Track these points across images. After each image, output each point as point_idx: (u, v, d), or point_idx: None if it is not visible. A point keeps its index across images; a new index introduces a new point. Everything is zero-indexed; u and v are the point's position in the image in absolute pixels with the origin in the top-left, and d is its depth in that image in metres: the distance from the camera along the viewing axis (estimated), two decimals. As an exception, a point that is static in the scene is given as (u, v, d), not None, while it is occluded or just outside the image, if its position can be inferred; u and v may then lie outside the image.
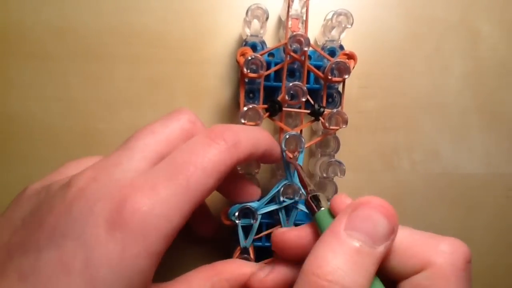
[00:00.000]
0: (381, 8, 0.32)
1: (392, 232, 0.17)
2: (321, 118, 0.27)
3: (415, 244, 0.18)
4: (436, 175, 0.33)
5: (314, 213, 0.20)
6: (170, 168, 0.18)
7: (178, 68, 0.31)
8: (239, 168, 0.27)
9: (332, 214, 0.20)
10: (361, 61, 0.32)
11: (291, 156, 0.25)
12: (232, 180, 0.25)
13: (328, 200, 0.21)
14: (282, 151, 0.25)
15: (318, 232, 0.20)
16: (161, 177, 0.18)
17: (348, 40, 0.31)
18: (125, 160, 0.19)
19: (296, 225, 0.27)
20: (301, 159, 0.26)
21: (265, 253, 0.27)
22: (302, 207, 0.26)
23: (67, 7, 0.30)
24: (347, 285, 0.16)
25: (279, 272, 0.21)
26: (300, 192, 0.26)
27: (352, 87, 0.32)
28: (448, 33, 0.33)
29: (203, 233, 0.29)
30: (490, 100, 0.33)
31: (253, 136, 0.22)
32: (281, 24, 0.31)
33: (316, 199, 0.21)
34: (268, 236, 0.27)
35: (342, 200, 0.20)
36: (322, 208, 0.20)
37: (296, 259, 0.21)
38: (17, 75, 0.30)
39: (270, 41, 0.31)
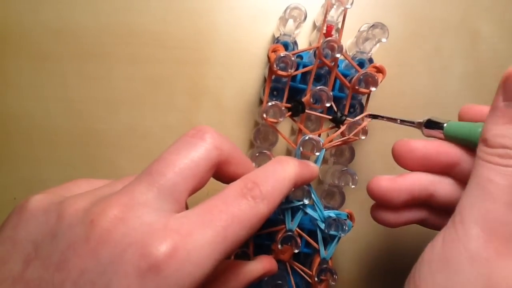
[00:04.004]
0: (381, 8, 0.32)
1: None
2: (341, 126, 0.27)
3: None
4: (436, 175, 0.33)
5: (441, 129, 0.22)
6: (206, 215, 0.17)
7: (177, 68, 0.31)
8: (254, 165, 0.27)
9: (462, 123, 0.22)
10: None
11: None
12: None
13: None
14: (297, 153, 0.25)
15: (450, 143, 0.22)
16: (197, 223, 0.17)
17: (349, 40, 0.31)
18: (153, 200, 0.17)
19: (299, 227, 0.27)
20: (319, 161, 0.26)
21: (263, 250, 0.27)
22: (309, 211, 0.26)
23: (65, 8, 0.30)
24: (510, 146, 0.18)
25: (409, 177, 0.23)
26: (311, 195, 0.25)
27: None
28: (448, 33, 0.33)
29: None
30: (490, 100, 0.33)
31: (280, 187, 0.20)
32: (315, 28, 0.31)
33: (432, 120, 0.23)
34: (269, 234, 0.27)
35: (472, 106, 0.22)
36: (445, 124, 0.22)
37: (419, 169, 0.22)
38: (16, 75, 0.30)
39: (300, 44, 0.31)
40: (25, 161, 0.30)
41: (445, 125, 0.22)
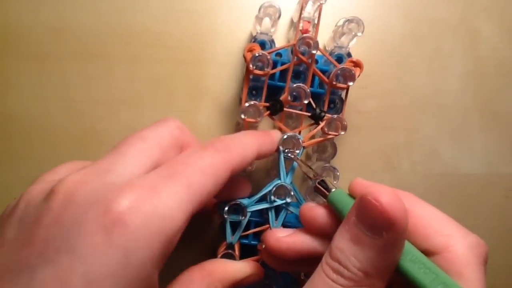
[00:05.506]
0: (381, 8, 0.32)
1: (391, 224, 0.17)
2: (320, 122, 0.27)
3: (438, 224, 0.20)
4: (436, 175, 0.33)
5: (325, 196, 0.22)
6: (169, 169, 0.18)
7: (177, 68, 0.31)
8: None
9: (347, 194, 0.21)
10: (361, 61, 0.32)
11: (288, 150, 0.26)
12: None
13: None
14: (279, 151, 0.25)
15: (334, 211, 0.21)
16: (160, 178, 0.17)
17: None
18: (119, 165, 0.18)
19: (284, 226, 0.26)
20: (300, 156, 0.26)
21: (250, 251, 0.27)
22: (293, 209, 0.26)
23: (65, 8, 0.30)
24: (346, 265, 0.18)
25: (296, 239, 0.22)
26: (292, 193, 0.26)
27: (352, 87, 0.32)
28: (448, 33, 0.33)
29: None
30: (490, 100, 0.33)
31: (240, 141, 0.22)
32: (293, 25, 0.31)
33: (324, 183, 0.22)
34: (256, 234, 0.27)
35: (358, 182, 0.21)
36: (333, 190, 0.21)
37: (321, 233, 0.22)
38: (15, 75, 0.30)
39: (279, 42, 0.31)
40: (25, 161, 0.30)
41: (331, 191, 0.22)
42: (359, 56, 0.31)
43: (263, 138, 0.24)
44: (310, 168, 0.24)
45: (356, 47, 0.31)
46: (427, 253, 0.19)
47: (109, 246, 0.15)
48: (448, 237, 0.19)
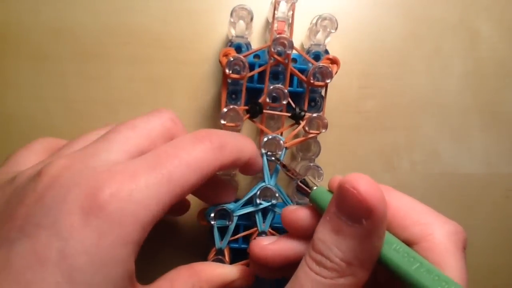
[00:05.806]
0: (380, 8, 0.32)
1: (370, 211, 0.17)
2: (301, 122, 0.27)
3: (416, 213, 0.20)
4: (436, 175, 0.33)
5: (308, 194, 0.22)
6: (153, 159, 0.18)
7: (176, 68, 0.31)
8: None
9: (328, 190, 0.21)
10: (361, 61, 0.32)
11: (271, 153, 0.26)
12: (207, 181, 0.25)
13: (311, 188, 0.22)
14: (261, 154, 0.25)
15: (317, 209, 0.21)
16: (142, 166, 0.17)
17: (348, 40, 0.31)
18: (103, 151, 0.18)
19: (273, 228, 0.26)
20: (282, 159, 0.26)
21: (241, 254, 0.27)
22: (279, 210, 0.26)
23: (65, 8, 0.30)
24: (329, 256, 0.18)
25: (281, 245, 0.22)
26: (277, 195, 0.25)
27: (352, 87, 0.32)
28: (448, 33, 0.33)
29: (174, 213, 0.29)
30: (490, 100, 0.33)
31: (239, 142, 0.22)
32: (268, 26, 0.31)
33: (305, 182, 0.22)
34: (245, 238, 0.27)
35: (337, 179, 0.21)
36: (315, 188, 0.22)
37: (305, 236, 0.21)
38: (15, 75, 0.30)
39: (257, 43, 0.31)
40: (25, 161, 0.30)
41: (313, 189, 0.22)
42: (358, 55, 0.32)
43: (257, 151, 0.24)
44: (291, 169, 0.24)
45: (355, 47, 0.31)
46: (407, 243, 0.19)
47: (85, 226, 0.16)
48: (426, 225, 0.19)
